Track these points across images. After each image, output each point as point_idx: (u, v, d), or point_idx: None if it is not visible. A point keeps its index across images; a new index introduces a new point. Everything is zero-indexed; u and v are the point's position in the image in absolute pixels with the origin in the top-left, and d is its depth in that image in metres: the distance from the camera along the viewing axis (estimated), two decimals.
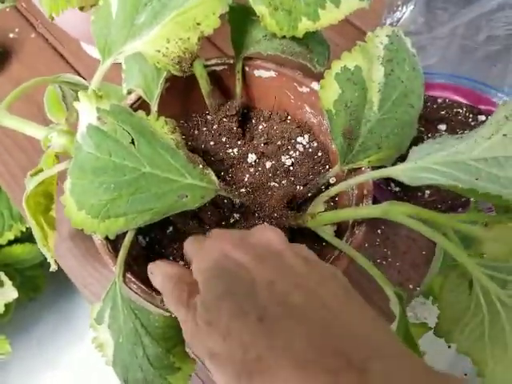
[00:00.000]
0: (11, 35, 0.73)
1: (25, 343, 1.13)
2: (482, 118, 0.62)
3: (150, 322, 0.34)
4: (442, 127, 0.61)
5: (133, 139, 0.30)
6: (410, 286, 0.54)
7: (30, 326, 1.15)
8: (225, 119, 0.45)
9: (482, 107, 0.60)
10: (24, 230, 0.87)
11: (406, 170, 0.30)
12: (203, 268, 0.27)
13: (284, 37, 0.38)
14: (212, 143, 0.47)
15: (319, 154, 0.46)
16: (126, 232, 0.36)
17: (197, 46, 0.35)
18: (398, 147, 0.37)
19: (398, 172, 0.31)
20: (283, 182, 0.45)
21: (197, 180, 0.32)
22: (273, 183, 0.45)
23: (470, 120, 0.62)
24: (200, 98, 0.44)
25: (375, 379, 0.19)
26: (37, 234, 0.43)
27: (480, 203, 0.53)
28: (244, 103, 0.47)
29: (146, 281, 0.35)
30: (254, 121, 0.49)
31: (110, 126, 0.30)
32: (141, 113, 0.33)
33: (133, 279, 0.35)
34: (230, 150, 0.46)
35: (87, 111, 0.30)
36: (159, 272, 0.32)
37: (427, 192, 0.57)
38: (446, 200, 0.56)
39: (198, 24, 0.35)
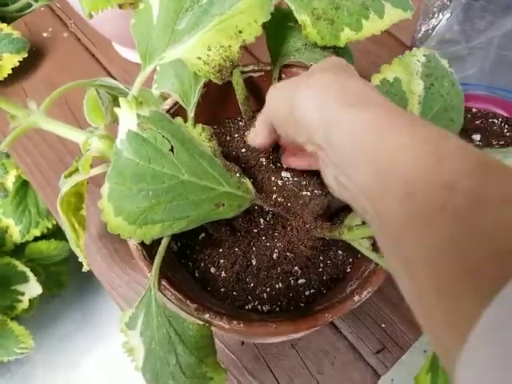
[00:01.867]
0: (44, 34, 0.74)
1: (48, 339, 1.14)
2: None
3: (184, 330, 0.33)
4: (477, 137, 0.60)
5: (172, 146, 0.30)
6: None
7: (52, 322, 1.17)
8: None
9: None
10: (50, 226, 0.88)
11: None
12: None
13: (325, 46, 0.37)
14: (243, 150, 0.47)
15: None
16: (161, 238, 0.36)
17: (238, 55, 0.35)
18: None
19: None
20: (315, 191, 0.44)
21: (234, 189, 0.32)
22: (305, 192, 0.44)
23: (506, 131, 0.61)
24: (234, 103, 0.44)
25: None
26: (69, 233, 0.43)
27: None
28: None
29: (180, 288, 0.35)
30: None
31: (149, 132, 0.30)
32: (179, 120, 0.33)
33: (168, 286, 0.35)
34: (262, 158, 0.46)
35: (127, 117, 0.30)
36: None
37: None
38: None
39: (240, 32, 0.34)
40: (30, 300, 0.88)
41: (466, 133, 0.60)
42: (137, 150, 0.30)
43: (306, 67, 0.42)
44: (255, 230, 0.43)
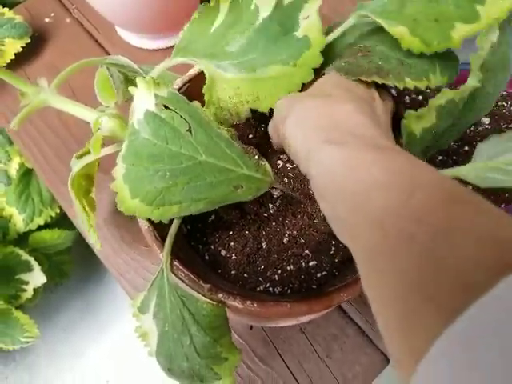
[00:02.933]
0: (47, 20, 0.73)
1: (51, 329, 1.15)
2: None
3: (197, 310, 0.33)
4: (486, 120, 0.59)
5: (190, 127, 0.30)
6: None
7: (56, 311, 1.17)
8: None
9: None
10: (53, 215, 0.88)
11: (476, 170, 0.29)
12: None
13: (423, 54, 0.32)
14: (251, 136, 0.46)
15: None
16: (172, 220, 0.36)
17: (244, 115, 0.35)
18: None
19: (466, 173, 0.30)
20: None
21: (253, 171, 0.31)
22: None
23: None
24: None
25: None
26: (81, 215, 0.43)
27: None
28: None
29: (192, 269, 0.35)
30: None
31: (167, 113, 0.29)
32: (196, 103, 0.32)
33: (180, 267, 0.34)
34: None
35: (145, 97, 0.30)
36: None
37: (469, 187, 0.55)
38: (488, 195, 0.55)
39: (258, 98, 0.34)
40: (34, 289, 0.87)
41: None
42: (154, 130, 0.30)
43: None
44: (265, 215, 0.42)
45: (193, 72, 0.42)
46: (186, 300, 0.33)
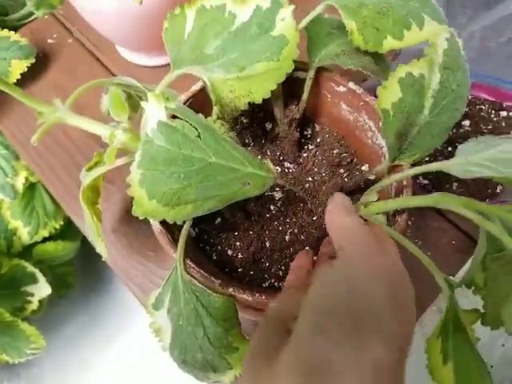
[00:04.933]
0: (49, 41, 0.77)
1: (56, 341, 1.16)
2: (503, 113, 0.64)
3: (210, 303, 0.36)
4: (466, 123, 0.64)
5: (199, 133, 0.33)
6: None
7: (60, 323, 1.18)
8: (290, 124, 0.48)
9: (507, 104, 0.63)
10: (58, 227, 0.90)
11: (457, 165, 0.33)
12: (327, 281, 0.29)
13: (364, 54, 0.40)
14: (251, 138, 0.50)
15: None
16: (182, 224, 0.39)
17: (243, 107, 0.39)
18: (436, 146, 0.40)
19: (449, 166, 0.33)
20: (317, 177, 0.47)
21: (257, 169, 0.35)
22: (309, 178, 0.48)
23: (493, 116, 0.64)
24: None
25: None
26: (91, 225, 0.45)
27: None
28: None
29: (203, 267, 0.38)
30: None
31: (177, 122, 0.33)
32: (201, 115, 0.36)
33: (192, 265, 0.37)
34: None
35: (156, 109, 0.33)
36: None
37: (455, 184, 0.59)
38: (474, 192, 0.58)
39: (251, 92, 0.38)
40: (39, 301, 0.89)
41: None
42: (167, 137, 0.33)
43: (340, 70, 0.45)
44: (268, 215, 0.46)
45: (195, 88, 0.45)
46: (199, 295, 0.36)
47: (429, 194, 0.33)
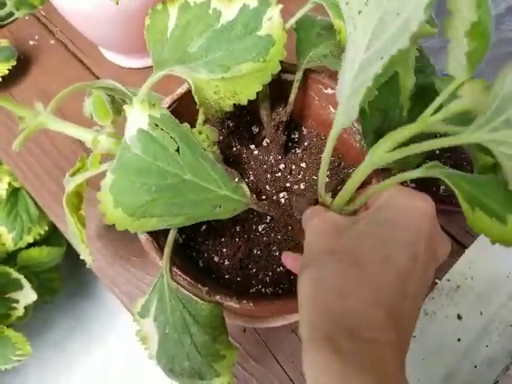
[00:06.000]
0: (31, 42, 0.75)
1: (41, 346, 1.14)
2: None
3: (197, 311, 0.35)
4: None
5: (178, 147, 0.33)
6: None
7: (45, 329, 1.16)
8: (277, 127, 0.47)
9: None
10: (42, 232, 0.89)
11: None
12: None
13: None
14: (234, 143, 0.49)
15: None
16: (168, 231, 0.38)
17: (228, 109, 0.37)
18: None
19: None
20: (302, 187, 0.47)
21: (231, 192, 0.34)
22: (295, 186, 0.47)
23: None
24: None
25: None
26: (75, 231, 0.44)
27: None
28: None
29: (190, 274, 0.37)
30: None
31: (158, 132, 0.32)
32: (186, 125, 0.35)
33: (179, 272, 0.37)
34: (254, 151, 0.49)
35: (139, 116, 0.32)
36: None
37: (442, 188, 0.59)
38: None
39: (236, 93, 0.37)
40: (25, 307, 0.88)
41: None
42: (145, 146, 0.32)
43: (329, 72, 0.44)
44: (255, 221, 0.45)
45: (181, 91, 0.45)
46: (185, 302, 0.36)
47: None
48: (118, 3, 0.36)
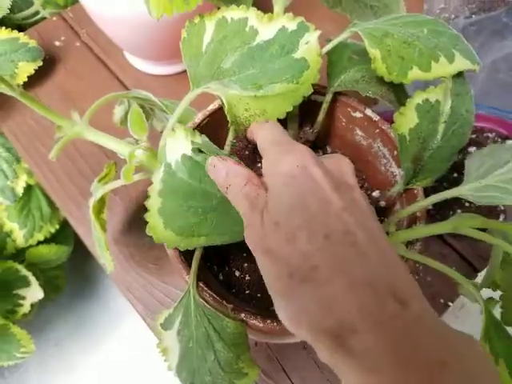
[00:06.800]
0: (57, 43, 0.76)
1: (43, 344, 1.14)
2: (510, 142, 0.65)
3: (222, 327, 0.36)
4: (472, 150, 0.64)
5: None
6: (441, 301, 0.57)
7: (48, 326, 1.16)
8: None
9: None
10: (53, 231, 0.89)
11: (473, 190, 0.34)
12: (279, 171, 0.29)
13: (383, 82, 0.40)
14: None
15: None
16: None
17: None
18: (445, 169, 0.41)
19: (465, 192, 0.34)
20: None
21: None
22: None
23: (499, 143, 0.65)
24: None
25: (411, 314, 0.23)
26: (100, 236, 0.45)
27: None
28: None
29: (215, 290, 0.38)
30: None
31: (202, 157, 0.34)
32: (225, 150, 0.37)
33: (205, 288, 0.37)
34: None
35: (183, 143, 0.34)
36: (224, 167, 0.32)
37: (458, 211, 0.60)
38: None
39: (266, 112, 0.38)
40: (31, 304, 0.88)
41: None
42: (190, 171, 0.34)
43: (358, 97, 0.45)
44: None
45: (212, 107, 0.45)
46: (211, 318, 0.36)
47: (433, 218, 0.34)
48: (159, 19, 0.37)
